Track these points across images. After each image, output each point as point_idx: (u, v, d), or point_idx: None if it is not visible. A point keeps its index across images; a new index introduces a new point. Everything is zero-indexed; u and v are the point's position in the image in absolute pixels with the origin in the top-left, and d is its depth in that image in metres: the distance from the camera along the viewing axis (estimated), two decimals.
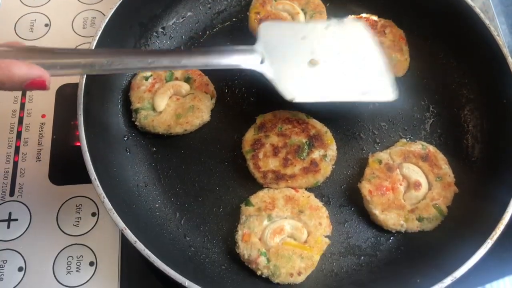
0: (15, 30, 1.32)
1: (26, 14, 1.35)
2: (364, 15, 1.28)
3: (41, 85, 0.76)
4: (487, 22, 1.13)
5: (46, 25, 1.34)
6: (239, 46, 1.03)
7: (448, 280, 0.89)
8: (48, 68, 0.77)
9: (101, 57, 0.86)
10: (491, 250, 0.98)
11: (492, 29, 1.12)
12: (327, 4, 1.30)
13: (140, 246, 0.87)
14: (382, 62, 1.13)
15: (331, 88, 1.08)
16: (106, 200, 0.90)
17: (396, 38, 1.22)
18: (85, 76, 1.03)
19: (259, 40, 1.06)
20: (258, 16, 1.25)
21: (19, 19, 1.34)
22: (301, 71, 1.07)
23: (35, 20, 1.34)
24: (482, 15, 1.14)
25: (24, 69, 0.73)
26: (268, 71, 1.02)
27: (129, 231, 0.88)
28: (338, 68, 1.10)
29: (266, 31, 1.08)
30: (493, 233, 0.93)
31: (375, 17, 1.26)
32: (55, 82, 1.23)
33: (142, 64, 0.90)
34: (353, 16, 1.27)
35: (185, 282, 0.85)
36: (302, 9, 1.28)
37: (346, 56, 1.11)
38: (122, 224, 0.88)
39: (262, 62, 1.02)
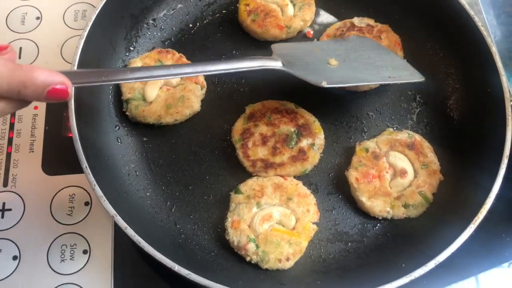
0: (6, 24, 1.33)
1: (18, 7, 1.36)
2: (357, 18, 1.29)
3: (62, 94, 0.73)
4: (471, 12, 1.15)
5: (38, 18, 1.35)
6: (259, 56, 1.07)
7: (432, 264, 0.91)
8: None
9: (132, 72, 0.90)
10: (481, 240, 1.02)
11: (476, 19, 1.14)
12: None
13: (130, 232, 0.89)
14: (397, 56, 1.19)
15: (357, 75, 1.10)
16: (97, 188, 0.92)
17: (391, 44, 1.23)
18: (76, 68, 1.04)
19: (274, 54, 1.09)
20: (247, 7, 1.27)
21: (10, 12, 1.35)
22: (324, 68, 1.09)
23: (26, 13, 1.35)
24: (467, 6, 1.16)
25: (46, 74, 0.72)
26: (292, 69, 1.05)
27: (119, 217, 0.90)
28: (357, 65, 1.13)
29: (279, 48, 1.12)
30: (476, 218, 0.95)
31: (371, 22, 1.28)
32: None
33: (165, 72, 0.92)
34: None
35: (175, 266, 0.87)
36: (291, 1, 1.29)
37: (362, 56, 1.15)
38: (112, 211, 0.90)
39: (283, 65, 1.05)
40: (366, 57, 1.15)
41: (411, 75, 1.14)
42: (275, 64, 1.04)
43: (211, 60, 0.97)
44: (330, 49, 1.17)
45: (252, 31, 1.27)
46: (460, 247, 0.93)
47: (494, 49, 1.11)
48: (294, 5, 1.29)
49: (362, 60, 1.14)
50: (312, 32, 1.30)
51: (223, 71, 0.97)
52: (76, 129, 0.97)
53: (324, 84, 1.02)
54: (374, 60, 1.14)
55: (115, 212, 0.90)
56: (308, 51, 1.15)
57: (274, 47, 1.12)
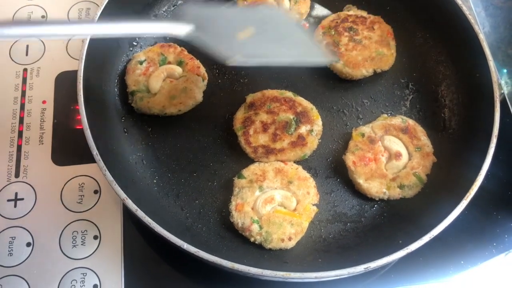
0: None
1: (23, 6, 1.41)
2: (353, 12, 1.34)
3: None
4: (459, 2, 1.20)
5: (43, 16, 1.40)
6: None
7: (427, 238, 0.95)
8: None
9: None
10: (474, 219, 1.09)
11: (464, 8, 1.19)
12: None
13: (140, 213, 0.94)
14: (305, 33, 1.17)
15: (268, 52, 1.05)
16: (108, 173, 0.96)
17: (384, 34, 1.28)
18: (83, 62, 1.09)
19: (187, 16, 1.01)
20: (245, 2, 1.32)
21: (16, 11, 1.40)
22: (234, 41, 1.03)
23: (32, 12, 1.40)
24: None
25: None
26: (200, 38, 0.97)
27: (130, 200, 0.94)
28: (270, 37, 1.08)
29: (192, 9, 1.04)
30: (468, 194, 1.00)
31: (364, 13, 1.33)
32: (54, 70, 1.30)
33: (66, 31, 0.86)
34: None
35: (184, 245, 0.91)
36: None
37: (275, 30, 1.11)
38: (123, 194, 0.95)
39: (193, 32, 0.96)
40: (278, 31, 1.12)
41: (321, 57, 1.15)
42: (184, 29, 0.95)
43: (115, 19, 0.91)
44: (245, 16, 1.12)
45: None
46: (456, 228, 0.97)
47: (481, 36, 1.16)
48: None
49: (274, 34, 1.09)
50: (307, 25, 1.35)
51: (124, 34, 0.94)
52: (86, 119, 1.01)
53: (232, 62, 0.95)
54: (285, 35, 1.11)
55: (125, 195, 0.95)
56: (219, 19, 1.07)
57: (189, 7, 1.07)
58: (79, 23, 0.92)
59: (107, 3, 1.17)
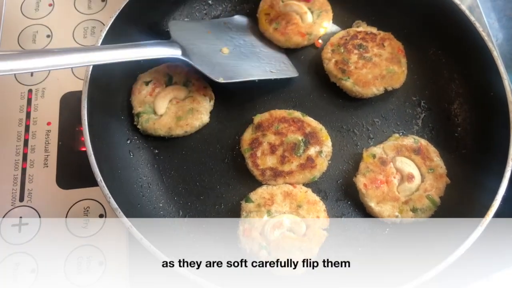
0: (18, 42, 1.37)
1: (29, 26, 1.41)
2: (362, 28, 1.32)
3: None
4: (472, 18, 1.17)
5: (48, 36, 1.39)
6: (159, 40, 1.12)
7: (442, 266, 0.93)
8: None
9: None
10: (489, 241, 1.03)
11: (477, 25, 1.16)
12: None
13: (146, 242, 0.91)
14: (274, 48, 1.30)
15: (246, 69, 1.18)
16: (112, 200, 0.94)
17: (394, 51, 1.25)
18: (88, 83, 1.07)
19: (172, 36, 1.15)
20: (268, 17, 1.30)
21: (22, 31, 1.40)
22: (218, 58, 1.17)
23: (37, 31, 1.40)
24: (467, 12, 1.18)
25: None
26: (192, 60, 1.11)
27: (135, 229, 0.92)
28: (245, 54, 1.21)
29: (176, 28, 1.19)
30: (484, 219, 0.97)
31: (374, 30, 1.30)
32: (59, 91, 1.28)
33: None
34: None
35: (190, 276, 0.89)
36: (309, 8, 1.32)
37: (247, 43, 1.24)
38: (128, 222, 0.93)
39: (183, 53, 1.10)
40: (250, 44, 1.23)
41: (288, 70, 1.24)
42: (175, 52, 1.09)
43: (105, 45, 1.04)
44: (220, 32, 1.23)
45: (275, 40, 1.30)
46: (469, 248, 0.94)
47: (495, 54, 1.13)
48: (312, 12, 1.32)
49: (247, 48, 1.23)
50: (321, 42, 1.33)
51: (121, 60, 1.00)
52: (90, 143, 1.00)
53: (221, 80, 1.12)
54: (257, 48, 1.23)
55: (130, 223, 0.93)
56: (203, 33, 1.22)
57: (172, 25, 1.20)
58: (74, 52, 0.96)
59: (113, 22, 1.15)
